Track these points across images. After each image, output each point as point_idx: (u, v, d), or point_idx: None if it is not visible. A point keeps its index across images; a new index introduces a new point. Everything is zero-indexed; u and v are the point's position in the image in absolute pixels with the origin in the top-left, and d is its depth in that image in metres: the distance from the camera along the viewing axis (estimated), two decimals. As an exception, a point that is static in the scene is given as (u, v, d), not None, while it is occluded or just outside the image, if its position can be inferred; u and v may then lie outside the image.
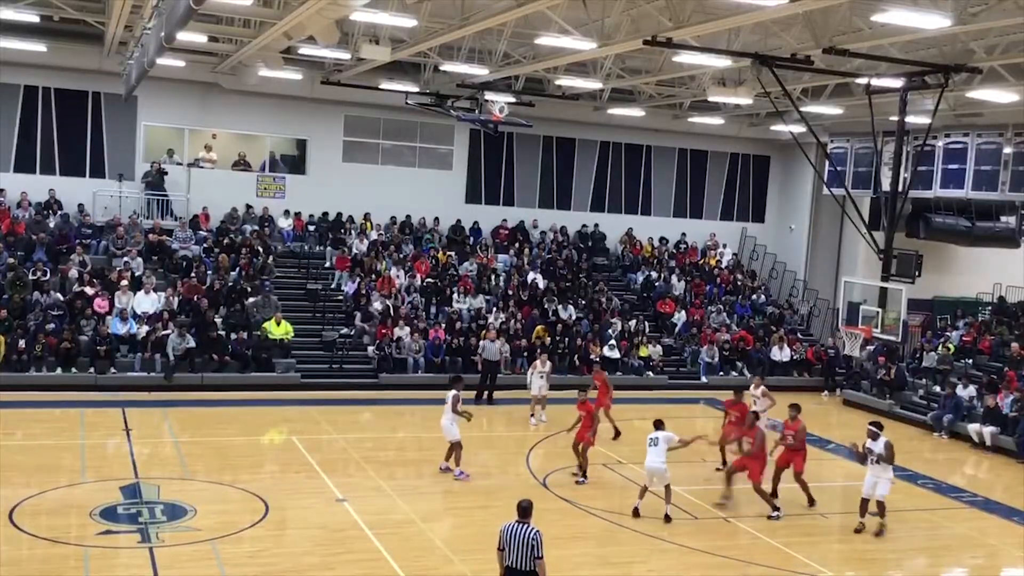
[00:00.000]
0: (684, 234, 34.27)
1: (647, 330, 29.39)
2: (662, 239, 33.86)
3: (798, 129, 26.51)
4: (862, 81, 22.31)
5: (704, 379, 28.23)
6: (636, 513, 15.45)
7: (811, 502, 16.51)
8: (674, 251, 33.78)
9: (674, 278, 32.15)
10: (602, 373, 22.13)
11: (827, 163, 28.50)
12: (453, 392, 17.53)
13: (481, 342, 25.22)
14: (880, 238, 24.84)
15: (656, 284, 31.82)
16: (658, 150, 34.18)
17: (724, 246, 34.52)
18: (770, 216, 35.46)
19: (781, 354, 29.13)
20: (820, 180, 30.18)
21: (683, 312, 30.62)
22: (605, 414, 19.96)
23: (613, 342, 27.80)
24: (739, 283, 33.15)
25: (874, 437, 15.19)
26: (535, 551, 9.66)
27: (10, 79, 26.49)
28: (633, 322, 29.30)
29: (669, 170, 34.50)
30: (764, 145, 34.39)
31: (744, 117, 30.78)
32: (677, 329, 30.10)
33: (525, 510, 9.96)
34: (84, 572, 12.18)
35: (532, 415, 22.20)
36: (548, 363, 23.01)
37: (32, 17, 21.83)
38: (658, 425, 15.41)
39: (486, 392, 24.35)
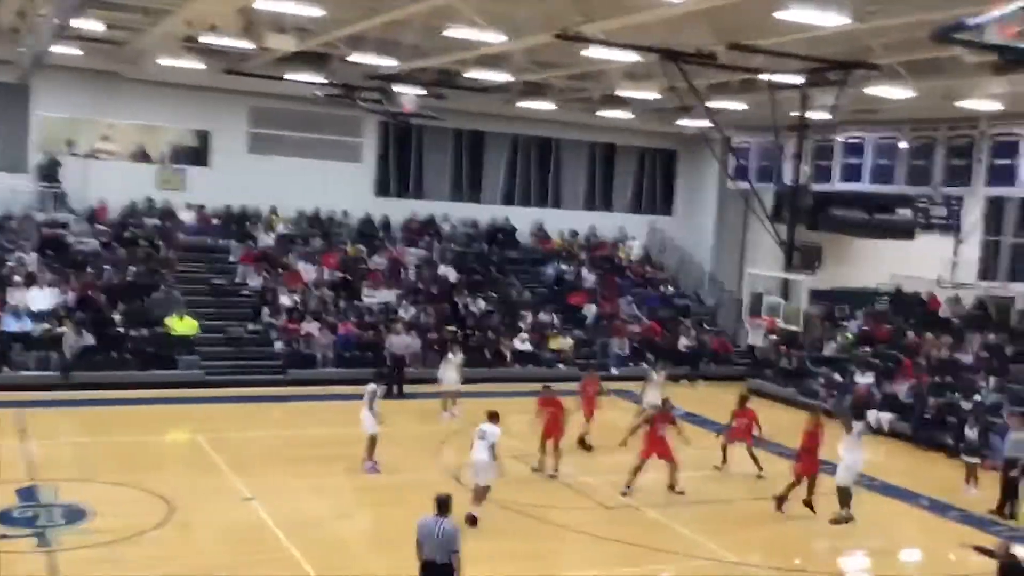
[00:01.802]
0: (594, 227, 34.57)
1: (558, 323, 29.59)
2: (573, 232, 34.09)
3: (704, 124, 26.94)
4: (765, 77, 22.78)
5: (615, 371, 28.50)
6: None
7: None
8: (585, 244, 34.06)
9: (585, 271, 32.43)
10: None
11: (732, 157, 29.13)
12: (371, 386, 17.44)
13: (389, 336, 25.00)
14: (783, 231, 25.47)
15: (567, 277, 32.04)
16: (568, 143, 34.38)
17: (634, 239, 34.94)
18: (678, 209, 36.02)
19: (688, 344, 29.61)
20: (725, 174, 30.85)
21: (594, 305, 30.90)
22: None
23: (525, 335, 27.88)
24: (648, 275, 33.62)
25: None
26: (452, 545, 9.62)
27: None
28: (544, 315, 29.45)
29: (579, 163, 34.75)
30: (672, 139, 34.90)
31: (652, 111, 31.15)
32: (588, 321, 30.37)
33: (443, 504, 9.91)
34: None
35: (444, 409, 22.11)
36: (460, 355, 22.90)
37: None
38: (491, 417, 14.84)
39: (396, 386, 24.16)
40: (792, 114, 24.63)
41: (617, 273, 33.14)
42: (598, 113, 31.08)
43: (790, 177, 25.80)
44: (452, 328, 27.03)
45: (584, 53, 20.77)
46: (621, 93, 25.88)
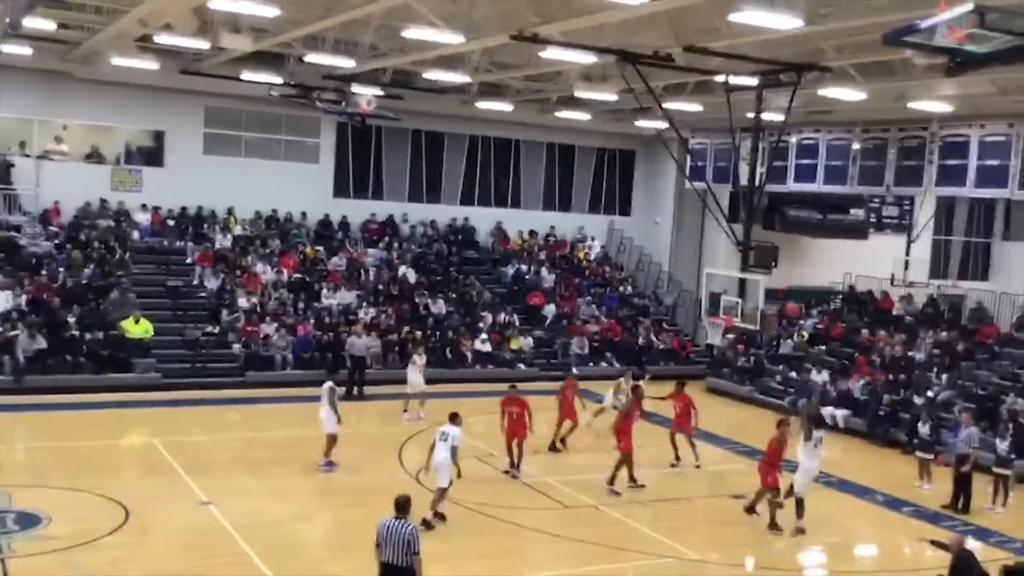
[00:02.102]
0: (553, 227, 34.69)
1: (518, 323, 29.66)
2: (532, 232, 34.18)
3: (661, 125, 27.16)
4: (721, 79, 23.03)
5: (575, 370, 28.55)
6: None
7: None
8: (544, 244, 34.16)
9: (544, 271, 32.53)
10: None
11: (689, 158, 29.39)
12: (328, 384, 17.41)
13: (349, 338, 24.90)
14: (739, 231, 25.74)
15: (526, 277, 32.12)
16: (527, 144, 34.46)
17: (592, 239, 35.11)
18: (636, 209, 36.24)
19: (648, 343, 29.80)
20: (682, 174, 31.11)
21: (553, 304, 31.01)
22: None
23: (485, 335, 27.91)
24: (607, 275, 33.80)
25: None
26: (411, 547, 9.62)
27: None
28: (504, 315, 29.51)
29: (538, 164, 34.84)
30: (630, 140, 35.12)
31: (610, 112, 31.35)
32: (548, 321, 30.46)
33: (402, 506, 9.91)
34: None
35: (405, 410, 22.06)
36: (424, 356, 22.84)
37: None
38: (452, 419, 14.82)
39: (356, 388, 24.07)
40: (747, 115, 24.90)
41: (576, 273, 33.28)
42: (556, 114, 31.20)
43: (746, 177, 26.10)
44: (412, 330, 26.94)
45: (541, 54, 20.85)
46: (579, 94, 26.02)
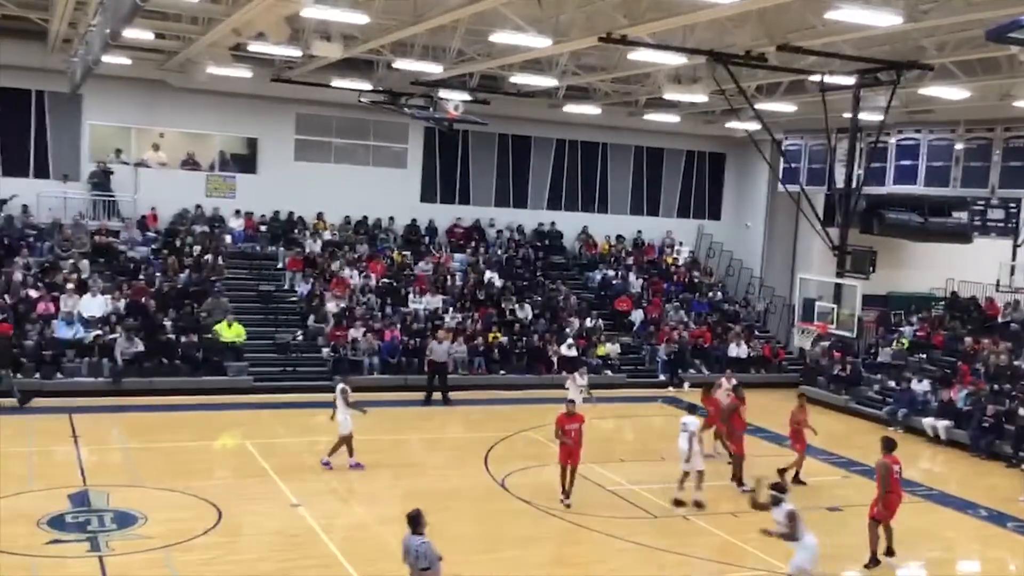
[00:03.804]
0: (640, 231, 34.30)
1: (604, 328, 29.37)
2: (619, 237, 33.86)
3: (753, 126, 26.59)
4: (816, 78, 22.42)
5: (662, 377, 28.24)
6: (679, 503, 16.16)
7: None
8: (631, 249, 33.79)
9: (631, 276, 32.16)
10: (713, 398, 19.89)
11: (782, 160, 28.69)
12: (341, 385, 17.53)
13: (430, 343, 24.88)
14: (835, 234, 25.03)
15: (613, 282, 31.80)
16: (614, 147, 34.15)
17: (681, 243, 34.61)
18: (726, 213, 35.61)
19: (738, 351, 29.22)
20: (775, 177, 30.41)
21: (640, 310, 30.62)
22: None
23: (571, 341, 27.70)
24: (696, 280, 33.26)
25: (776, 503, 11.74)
26: (421, 561, 9.62)
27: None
28: (590, 320, 29.25)
29: (625, 167, 34.50)
30: (720, 142, 34.52)
31: (700, 114, 30.87)
32: (635, 327, 30.08)
33: (413, 520, 9.83)
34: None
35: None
36: (585, 376, 21.80)
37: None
38: (690, 411, 16.36)
39: (436, 393, 24.00)
40: (844, 115, 24.20)
41: (664, 278, 32.83)
42: (644, 116, 30.84)
43: (842, 180, 25.36)
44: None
45: (629, 56, 20.60)
46: (668, 96, 25.65)
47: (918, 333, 27.79)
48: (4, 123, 26.64)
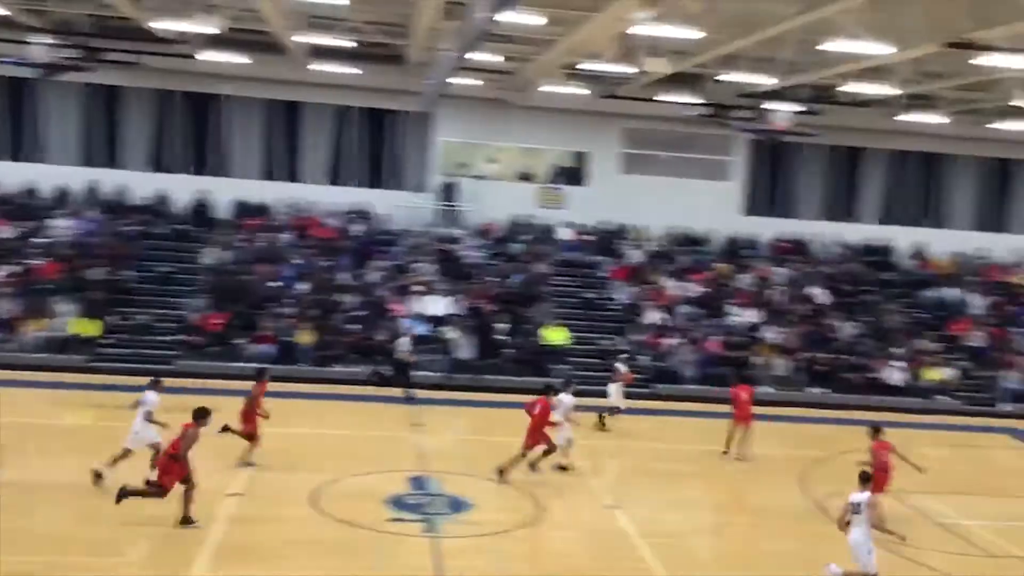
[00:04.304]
0: (984, 249, 31.70)
1: (939, 352, 27.47)
2: (959, 254, 31.51)
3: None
4: None
5: (1007, 407, 25.94)
6: None
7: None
8: (975, 267, 31.31)
9: (974, 296, 29.78)
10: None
11: None
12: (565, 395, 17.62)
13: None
14: None
15: (951, 302, 29.63)
16: (955, 158, 31.90)
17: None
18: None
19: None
20: None
21: (981, 333, 28.31)
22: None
23: (901, 363, 26.17)
24: (1050, 303, 30.20)
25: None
26: None
27: (324, 99, 29.28)
28: (922, 342, 27.48)
29: (968, 180, 32.10)
30: (1080, 152, 31.18)
31: (1058, 122, 28.02)
32: (980, 352, 27.80)
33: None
34: (376, 556, 13.11)
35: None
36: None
37: (346, 43, 23.74)
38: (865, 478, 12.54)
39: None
40: None
41: (1011, 300, 30.10)
42: (991, 125, 28.48)
43: None
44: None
45: (975, 61, 19.21)
46: (1019, 103, 23.57)
47: None
48: (367, 140, 29.74)
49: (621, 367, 21.77)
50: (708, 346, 26.12)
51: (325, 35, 22.90)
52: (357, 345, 24.93)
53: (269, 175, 29.82)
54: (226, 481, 15.30)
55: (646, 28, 17.45)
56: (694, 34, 17.96)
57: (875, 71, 22.51)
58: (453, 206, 29.91)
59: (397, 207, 29.60)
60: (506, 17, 14.21)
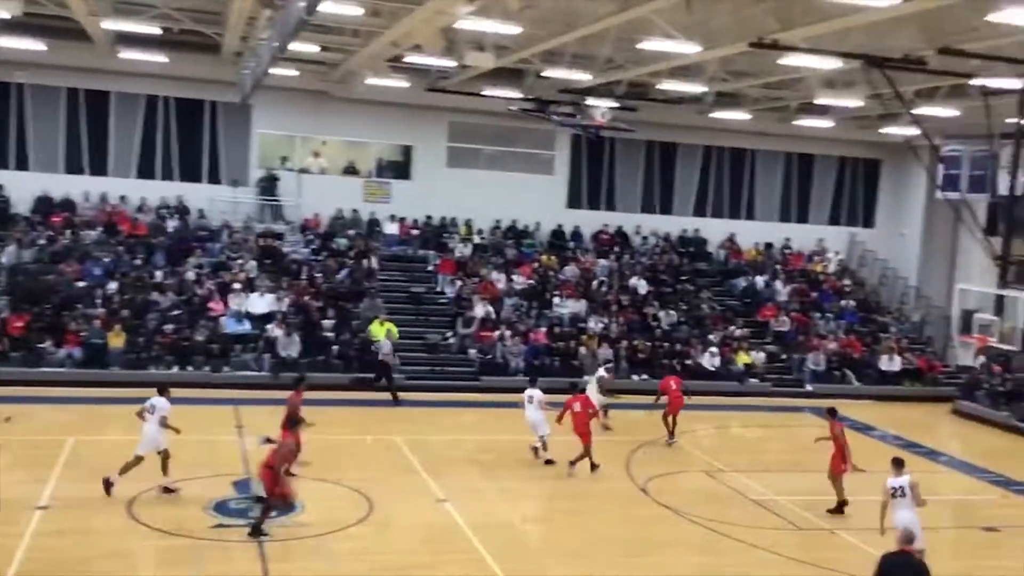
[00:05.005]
0: (788, 239, 33.64)
1: (749, 337, 28.96)
2: (766, 244, 33.29)
3: (910, 132, 25.73)
4: (978, 82, 21.55)
5: (809, 387, 27.65)
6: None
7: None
8: (779, 257, 33.17)
9: (778, 284, 31.58)
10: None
11: (940, 167, 27.63)
12: (535, 391, 18.27)
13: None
14: (998, 244, 23.96)
15: (759, 290, 31.30)
16: (763, 154, 33.66)
17: (836, 252, 33.75)
18: (880, 221, 34.53)
19: (891, 363, 28.30)
20: (933, 184, 29.30)
21: (786, 318, 30.04)
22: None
23: (715, 349, 27.45)
24: (846, 289, 32.36)
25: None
26: None
27: (133, 89, 27.82)
28: (734, 328, 28.91)
29: (774, 174, 33.94)
30: (874, 148, 33.50)
31: (853, 120, 30.03)
32: (788, 337, 29.48)
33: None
34: (197, 564, 12.61)
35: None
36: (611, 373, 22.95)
37: (154, 30, 22.68)
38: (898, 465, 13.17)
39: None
40: (1008, 120, 23.14)
41: (813, 287, 32.09)
42: (795, 122, 30.25)
43: (1006, 187, 24.24)
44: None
45: (780, 61, 20.31)
46: (820, 101, 25.14)
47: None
48: (180, 132, 28.51)
49: (605, 374, 22.00)
50: (534, 337, 26.52)
51: (133, 22, 21.77)
52: (173, 346, 23.89)
53: (73, 169, 28.09)
54: (35, 493, 14.47)
55: (467, 22, 17.54)
56: (514, 29, 18.21)
57: (686, 69, 23.46)
58: (275, 200, 29.11)
59: (214, 202, 28.55)
60: (323, 7, 13.91)
